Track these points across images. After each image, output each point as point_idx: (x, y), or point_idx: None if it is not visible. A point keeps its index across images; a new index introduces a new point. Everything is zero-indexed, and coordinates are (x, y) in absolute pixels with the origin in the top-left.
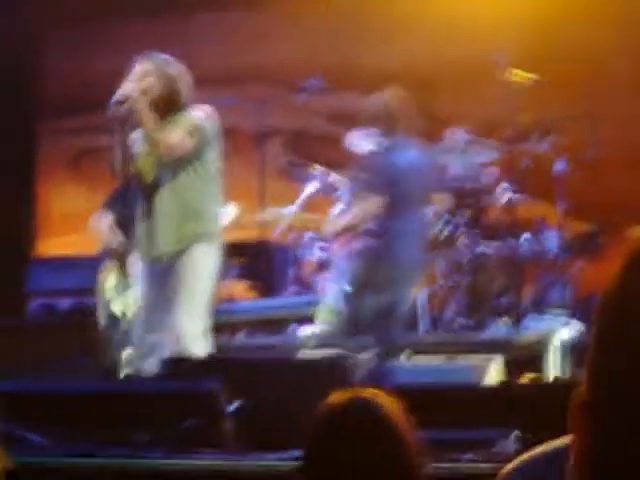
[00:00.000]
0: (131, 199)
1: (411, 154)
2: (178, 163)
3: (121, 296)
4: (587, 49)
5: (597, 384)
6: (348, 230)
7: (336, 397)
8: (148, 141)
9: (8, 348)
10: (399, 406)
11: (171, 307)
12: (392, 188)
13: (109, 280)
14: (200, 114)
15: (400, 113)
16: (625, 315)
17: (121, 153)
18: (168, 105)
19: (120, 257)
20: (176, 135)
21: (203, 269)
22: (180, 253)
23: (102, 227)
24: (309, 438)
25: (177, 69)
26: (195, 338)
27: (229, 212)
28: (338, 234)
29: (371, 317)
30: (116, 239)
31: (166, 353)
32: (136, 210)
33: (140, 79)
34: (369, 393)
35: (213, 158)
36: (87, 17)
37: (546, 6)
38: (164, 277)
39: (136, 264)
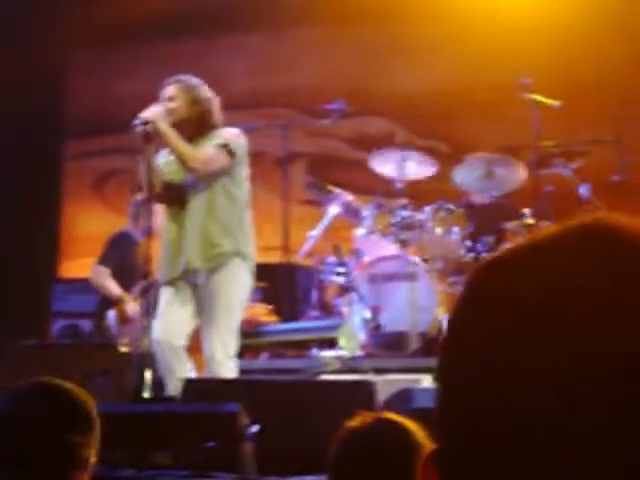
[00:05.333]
0: (125, 251)
1: None
2: (211, 180)
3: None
4: (611, 73)
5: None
6: None
7: (357, 420)
8: (177, 157)
9: (31, 368)
10: (422, 429)
11: (204, 327)
12: None
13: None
14: (232, 132)
15: None
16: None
17: (146, 174)
18: (198, 126)
19: (121, 304)
20: (207, 150)
21: (240, 285)
22: (215, 270)
23: (102, 280)
24: (333, 462)
25: (206, 92)
26: (227, 359)
27: None
28: None
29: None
30: (116, 289)
31: (193, 374)
32: (164, 232)
33: (166, 101)
34: (391, 416)
35: (244, 177)
36: (112, 38)
37: (570, 30)
38: (195, 297)
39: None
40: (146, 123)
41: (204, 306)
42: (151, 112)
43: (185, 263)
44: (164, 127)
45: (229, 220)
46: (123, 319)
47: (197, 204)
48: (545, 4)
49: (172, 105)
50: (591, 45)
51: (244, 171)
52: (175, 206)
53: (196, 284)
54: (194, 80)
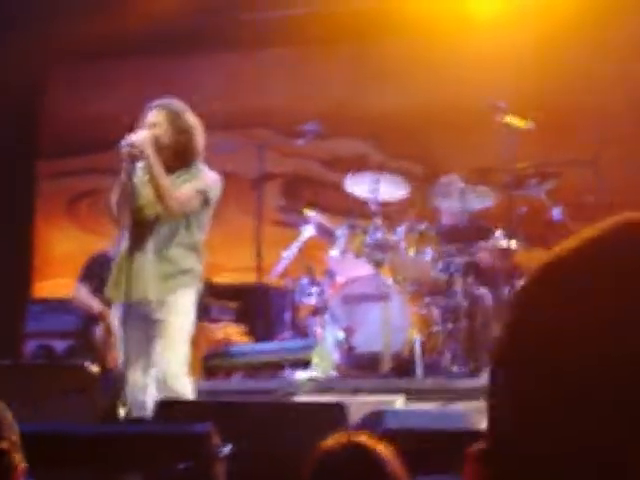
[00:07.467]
0: (105, 268)
1: None
2: (177, 217)
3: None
4: (586, 95)
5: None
6: None
7: (331, 442)
8: (156, 190)
9: (5, 389)
10: (392, 452)
11: (154, 348)
12: None
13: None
14: (213, 177)
15: None
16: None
17: (124, 196)
18: (179, 155)
19: (104, 320)
20: (186, 191)
21: (189, 301)
22: (162, 301)
23: (82, 296)
24: None
25: (192, 120)
26: (180, 377)
27: None
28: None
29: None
30: (97, 305)
31: (153, 395)
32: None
33: (153, 126)
34: (363, 439)
35: (207, 221)
36: (86, 59)
37: (544, 52)
38: (145, 319)
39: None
40: (133, 146)
41: (156, 325)
42: (140, 137)
43: (142, 293)
44: (152, 156)
45: (184, 258)
46: (109, 334)
47: (159, 237)
48: (520, 26)
49: (155, 132)
50: (567, 67)
51: (209, 214)
52: (139, 229)
53: (145, 312)
54: (179, 106)
